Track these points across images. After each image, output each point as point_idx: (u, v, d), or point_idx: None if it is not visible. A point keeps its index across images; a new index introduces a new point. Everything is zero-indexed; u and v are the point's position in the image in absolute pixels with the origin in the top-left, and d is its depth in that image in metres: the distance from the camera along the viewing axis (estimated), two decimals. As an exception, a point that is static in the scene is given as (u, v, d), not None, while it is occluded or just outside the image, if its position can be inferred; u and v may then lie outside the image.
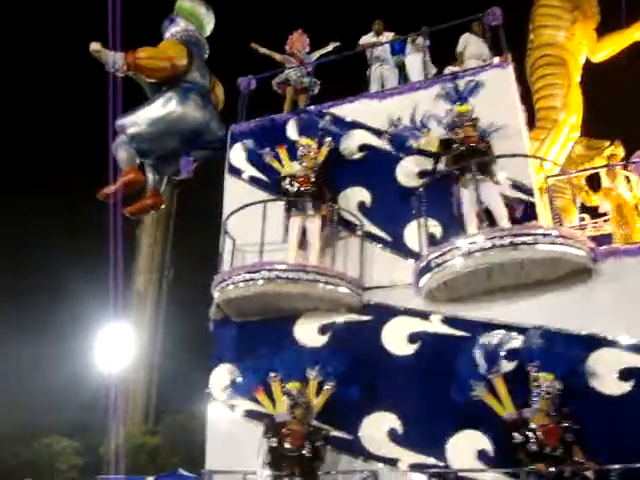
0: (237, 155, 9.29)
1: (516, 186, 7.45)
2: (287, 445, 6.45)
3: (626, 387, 6.21)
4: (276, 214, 8.18)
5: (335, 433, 6.93)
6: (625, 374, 6.24)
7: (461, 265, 6.63)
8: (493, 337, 6.70)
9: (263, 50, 10.28)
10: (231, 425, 7.71)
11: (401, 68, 9.77)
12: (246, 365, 7.64)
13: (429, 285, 7.05)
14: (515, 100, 7.93)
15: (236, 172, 9.22)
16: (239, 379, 7.64)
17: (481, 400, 6.29)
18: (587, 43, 8.93)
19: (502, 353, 6.50)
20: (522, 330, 6.70)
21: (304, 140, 8.37)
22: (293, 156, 8.55)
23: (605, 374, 6.26)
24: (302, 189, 8.00)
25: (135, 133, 9.42)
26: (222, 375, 7.94)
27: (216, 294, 7.83)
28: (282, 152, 8.60)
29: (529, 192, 7.43)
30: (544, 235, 6.45)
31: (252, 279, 7.43)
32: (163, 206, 10.09)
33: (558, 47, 8.91)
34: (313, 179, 8.06)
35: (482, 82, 7.66)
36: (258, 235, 8.14)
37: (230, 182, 9.23)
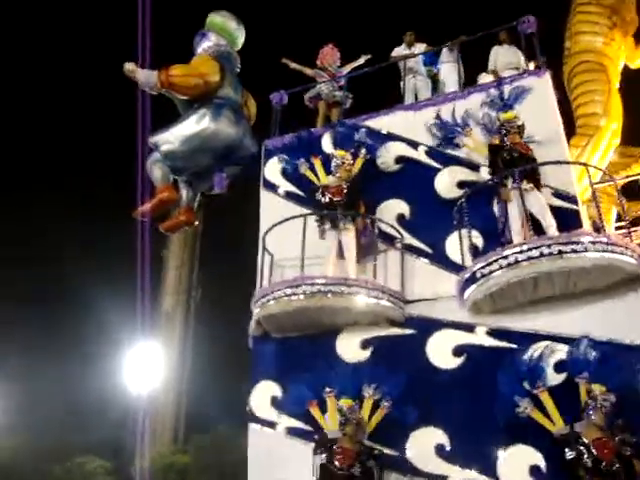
0: (272, 170, 9.28)
1: (559, 194, 7.33)
2: (337, 463, 6.34)
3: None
4: (312, 228, 8.17)
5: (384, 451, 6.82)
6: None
7: (508, 275, 6.50)
8: (538, 349, 6.54)
9: (294, 65, 10.30)
10: (273, 443, 7.58)
11: (433, 79, 9.75)
12: (292, 381, 7.54)
13: (474, 297, 6.91)
14: (554, 107, 7.82)
15: (272, 187, 9.20)
16: (287, 395, 7.52)
17: (526, 415, 6.15)
18: (625, 49, 8.84)
19: (548, 366, 6.35)
20: (569, 341, 6.55)
21: (338, 152, 8.36)
22: (328, 170, 8.58)
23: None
24: (335, 200, 7.97)
25: (169, 151, 9.43)
26: (264, 392, 7.85)
27: (256, 310, 7.77)
28: (317, 163, 8.60)
29: (573, 200, 7.31)
30: (593, 243, 6.31)
31: (294, 294, 7.36)
32: (197, 222, 10.09)
33: (597, 53, 8.81)
34: (346, 190, 8.03)
35: (526, 88, 7.58)
36: (294, 250, 8.11)
37: (266, 197, 9.21)
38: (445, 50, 9.41)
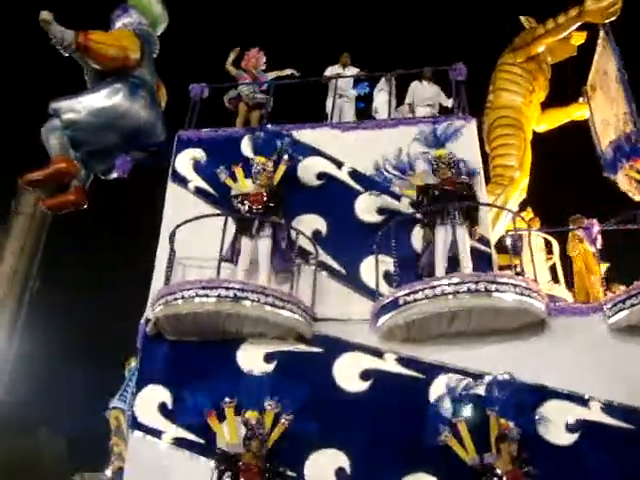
0: (184, 163, 8.73)
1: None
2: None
3: (573, 438, 6.51)
4: (215, 230, 7.77)
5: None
6: (571, 426, 6.54)
7: (432, 306, 6.63)
8: (455, 381, 6.71)
9: (230, 58, 9.83)
10: (157, 454, 7.00)
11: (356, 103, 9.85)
12: (187, 389, 6.97)
13: (392, 323, 6.95)
14: (477, 153, 8.23)
15: (181, 181, 8.65)
16: (180, 403, 6.97)
17: (444, 443, 6.26)
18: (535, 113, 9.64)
19: (466, 397, 6.52)
20: (477, 376, 6.81)
21: (259, 158, 8.08)
22: (248, 174, 8.26)
23: (554, 424, 6.52)
24: (254, 208, 7.69)
25: (72, 120, 8.59)
26: (151, 397, 7.25)
27: (158, 308, 7.18)
28: (238, 172, 8.20)
29: (487, 243, 7.69)
30: (514, 285, 6.65)
31: (207, 295, 6.92)
32: (86, 205, 9.18)
33: (516, 110, 9.48)
34: (266, 199, 7.78)
35: (458, 129, 7.90)
36: (198, 249, 7.83)
37: (173, 190, 8.64)
38: (383, 79, 9.56)
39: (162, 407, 7.19)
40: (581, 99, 9.70)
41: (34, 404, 18.89)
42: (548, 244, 9.48)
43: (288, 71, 9.97)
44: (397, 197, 8.03)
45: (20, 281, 20.77)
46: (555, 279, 9.42)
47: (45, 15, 8.11)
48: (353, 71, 9.87)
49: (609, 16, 8.68)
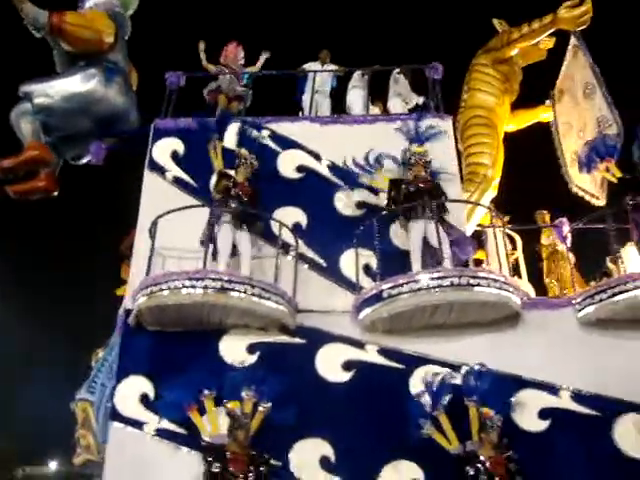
0: (161, 152, 8.63)
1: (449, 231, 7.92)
2: (232, 469, 6.05)
3: (545, 425, 6.86)
4: (194, 221, 7.76)
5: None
6: (544, 413, 6.92)
7: (416, 299, 6.85)
8: (433, 373, 6.93)
9: (203, 57, 9.69)
10: (138, 446, 6.97)
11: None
12: (168, 380, 7.01)
13: (373, 316, 7.13)
14: (453, 149, 8.49)
15: (158, 169, 8.56)
16: (162, 394, 6.95)
17: (428, 436, 6.49)
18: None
19: (443, 389, 6.75)
20: (454, 367, 7.06)
21: (242, 151, 8.12)
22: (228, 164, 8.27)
23: (527, 412, 6.87)
24: (243, 198, 7.72)
25: (45, 105, 8.35)
26: (132, 388, 7.19)
27: (142, 298, 7.12)
28: (219, 148, 8.23)
29: (462, 238, 7.96)
30: (495, 280, 6.94)
31: (193, 286, 6.90)
32: (56, 193, 8.93)
33: (490, 110, 9.78)
34: (251, 191, 7.84)
35: (438, 127, 8.13)
36: (175, 240, 7.79)
37: (150, 179, 8.53)
38: (356, 75, 9.67)
39: (143, 398, 7.15)
40: (548, 102, 10.14)
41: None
42: (512, 240, 9.87)
43: (262, 57, 9.96)
44: (375, 192, 8.21)
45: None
46: (517, 274, 9.82)
47: None
48: (332, 68, 9.95)
49: (581, 24, 9.11)
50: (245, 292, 6.98)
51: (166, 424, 7.00)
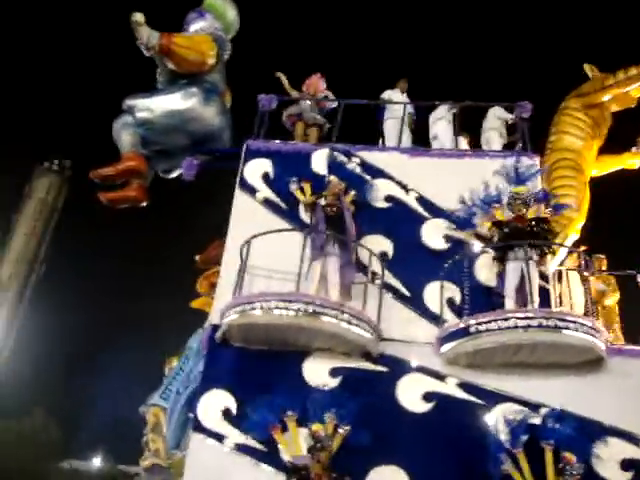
0: (252, 172, 8.91)
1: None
2: (314, 491, 6.20)
3: (627, 476, 6.82)
4: (282, 243, 8.00)
5: (346, 482, 6.76)
6: (626, 464, 6.88)
7: (503, 337, 6.92)
8: (515, 411, 6.99)
9: (285, 82, 9.94)
10: (217, 457, 7.17)
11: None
12: (252, 397, 7.19)
13: (458, 349, 7.23)
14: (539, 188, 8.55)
15: (249, 190, 8.82)
16: (244, 411, 7.14)
17: (507, 472, 6.53)
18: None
19: (524, 428, 6.78)
20: (535, 407, 7.11)
21: (335, 179, 8.34)
22: (315, 191, 8.50)
23: (608, 461, 6.84)
24: (331, 213, 7.97)
25: (146, 119, 8.74)
26: (215, 401, 7.42)
27: (233, 315, 7.34)
28: (306, 187, 8.49)
29: (546, 279, 8.01)
30: (582, 324, 6.97)
31: (286, 308, 7.10)
32: (145, 203, 9.28)
33: (577, 154, 9.86)
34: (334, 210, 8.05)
35: (540, 170, 8.24)
36: (263, 260, 8.01)
37: (241, 198, 8.80)
38: (443, 107, 9.82)
39: (226, 412, 7.37)
40: (634, 148, 10.16)
41: (32, 386, 18.75)
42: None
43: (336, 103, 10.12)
44: (463, 227, 8.33)
45: (27, 263, 20.69)
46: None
47: (138, 17, 8.28)
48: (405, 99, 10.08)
49: (677, 76, 9.15)
50: (335, 317, 7.16)
51: (246, 439, 7.20)
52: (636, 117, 10.24)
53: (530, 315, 6.93)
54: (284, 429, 7.01)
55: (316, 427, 6.70)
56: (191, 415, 7.62)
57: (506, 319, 6.97)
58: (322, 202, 8.17)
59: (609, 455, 6.82)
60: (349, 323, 7.20)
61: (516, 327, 6.90)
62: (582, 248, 8.51)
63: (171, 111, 8.74)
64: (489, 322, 7.03)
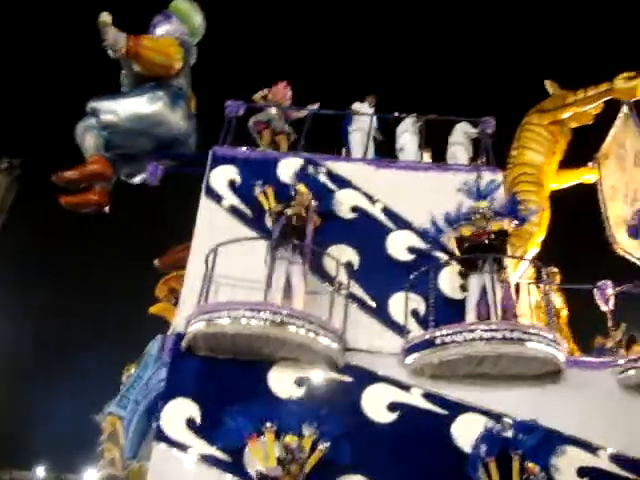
0: (218, 179, 8.83)
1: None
2: (284, 503, 6.17)
3: (583, 485, 7.05)
4: (247, 251, 7.97)
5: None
6: (582, 472, 7.08)
7: (469, 349, 7.03)
8: (488, 422, 7.11)
9: (259, 93, 9.90)
10: (181, 468, 7.07)
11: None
12: (218, 406, 7.10)
13: (424, 360, 7.31)
14: (504, 203, 8.75)
15: (215, 197, 8.74)
16: (219, 423, 7.00)
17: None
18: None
19: (498, 439, 6.93)
20: (497, 417, 7.25)
21: (300, 187, 8.34)
22: (282, 199, 8.46)
23: (566, 470, 7.03)
24: (296, 227, 7.93)
25: (111, 122, 8.57)
26: (179, 411, 7.30)
27: (199, 324, 7.25)
28: (269, 193, 8.46)
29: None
30: (544, 337, 7.16)
31: (254, 317, 7.05)
32: (107, 208, 9.07)
33: (538, 169, 10.17)
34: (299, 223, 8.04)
35: (497, 182, 8.42)
36: (227, 268, 7.91)
37: (207, 205, 8.71)
38: (408, 120, 9.95)
39: (190, 422, 7.27)
40: (590, 164, 10.53)
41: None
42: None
43: (310, 108, 10.13)
44: (427, 240, 8.45)
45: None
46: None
47: (105, 17, 8.12)
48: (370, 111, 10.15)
49: (635, 95, 9.54)
50: (303, 327, 7.15)
51: (211, 450, 7.13)
52: (592, 134, 10.64)
53: (494, 327, 7.08)
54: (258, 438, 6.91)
55: (289, 439, 6.65)
56: (154, 424, 7.46)
57: (471, 331, 7.11)
58: (289, 212, 8.17)
59: (568, 463, 7.03)
60: (316, 333, 7.20)
61: (481, 339, 7.03)
62: (545, 262, 8.70)
63: (137, 114, 8.59)
64: (455, 334, 7.14)
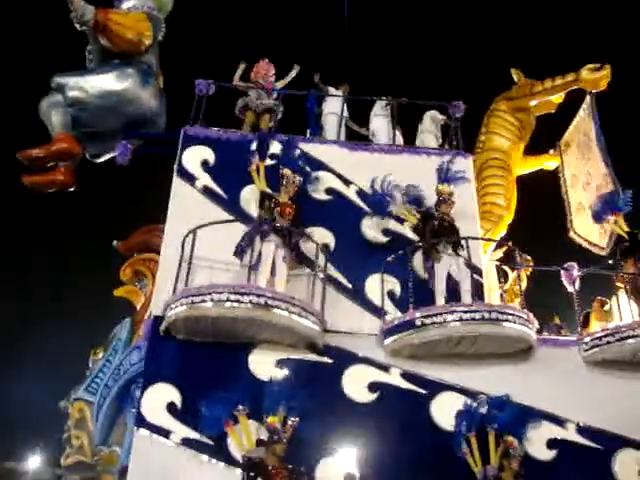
0: (191, 159, 8.66)
1: (468, 266, 8.35)
2: (276, 483, 6.21)
3: (552, 454, 7.39)
4: (223, 233, 7.89)
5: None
6: (552, 444, 7.44)
7: (450, 330, 7.21)
8: (468, 399, 7.35)
9: (238, 73, 9.67)
10: (163, 454, 7.00)
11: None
12: (198, 391, 7.08)
13: (402, 342, 7.47)
14: (473, 188, 8.96)
15: (188, 177, 8.58)
16: (197, 409, 6.96)
17: (463, 456, 6.91)
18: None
19: (477, 414, 7.18)
20: (474, 395, 7.50)
21: (287, 171, 8.26)
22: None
23: (537, 442, 7.38)
24: (287, 216, 7.89)
25: (78, 98, 8.22)
26: (159, 396, 7.21)
27: (180, 307, 7.13)
28: (262, 167, 8.36)
29: (479, 272, 8.43)
30: (519, 316, 7.44)
31: (238, 301, 7.00)
32: (73, 188, 8.74)
33: (506, 154, 10.42)
34: (293, 211, 8.01)
35: (462, 166, 8.60)
36: (204, 251, 7.81)
37: (179, 185, 8.53)
38: (379, 103, 10.00)
39: (171, 406, 7.20)
40: (552, 151, 10.91)
41: None
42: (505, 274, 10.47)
43: (293, 72, 10.05)
44: (401, 221, 8.57)
45: None
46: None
47: None
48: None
49: (599, 86, 9.91)
50: (287, 310, 7.16)
51: (193, 434, 7.09)
52: (555, 121, 11.00)
53: (473, 309, 7.31)
54: (235, 423, 6.94)
55: (272, 419, 6.66)
56: (132, 410, 7.35)
57: (451, 312, 7.29)
58: (281, 199, 8.04)
59: (538, 436, 7.36)
60: (299, 315, 7.23)
61: (460, 320, 7.25)
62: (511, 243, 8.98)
63: (106, 91, 8.26)
64: (435, 315, 7.33)
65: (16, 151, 8.39)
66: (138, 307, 10.30)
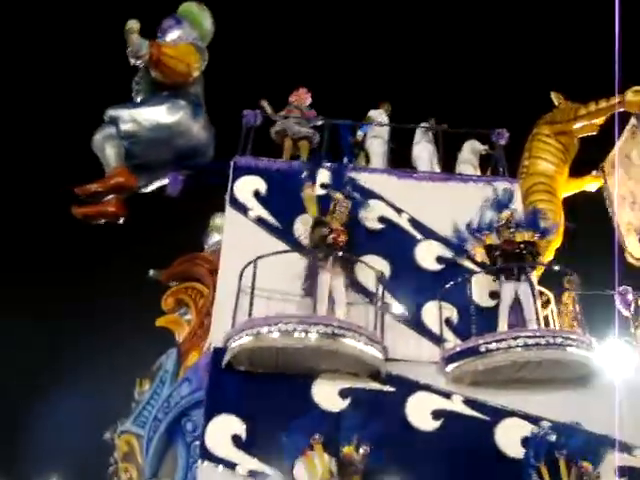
0: (242, 189, 8.69)
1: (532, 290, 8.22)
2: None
3: (622, 482, 7.31)
4: (278, 263, 7.87)
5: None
6: (620, 471, 7.35)
7: (512, 356, 7.20)
8: (535, 427, 7.24)
9: (268, 109, 9.75)
10: (229, 485, 6.90)
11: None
12: (261, 420, 7.05)
13: (464, 368, 7.44)
14: (522, 214, 8.99)
15: (240, 208, 8.61)
16: (270, 440, 6.88)
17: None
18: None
19: (545, 442, 7.10)
20: (537, 421, 7.43)
21: (339, 195, 8.30)
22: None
23: (608, 470, 7.26)
24: (340, 243, 7.89)
25: (132, 131, 8.29)
26: (223, 428, 7.13)
27: (245, 338, 7.09)
28: (314, 193, 8.38)
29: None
30: (582, 342, 7.41)
31: (306, 331, 6.97)
32: (122, 220, 8.74)
33: (551, 178, 10.54)
34: (346, 238, 8.01)
35: (513, 192, 8.66)
36: (264, 281, 7.72)
37: (232, 216, 8.57)
38: (419, 130, 10.10)
39: (235, 438, 7.12)
40: (594, 172, 11.04)
41: None
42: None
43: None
44: (456, 250, 8.60)
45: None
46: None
47: (133, 24, 7.83)
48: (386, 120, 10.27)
49: (643, 108, 10.06)
50: (354, 339, 7.13)
51: (259, 465, 6.99)
52: (597, 143, 11.14)
53: (538, 334, 7.30)
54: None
55: (347, 449, 6.61)
56: (196, 442, 7.26)
57: (515, 338, 7.28)
58: (334, 224, 8.03)
59: (608, 464, 7.24)
60: (365, 344, 7.21)
61: (525, 345, 7.24)
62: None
63: (158, 124, 8.34)
64: (499, 341, 7.31)
65: (62, 184, 8.42)
66: (180, 336, 10.23)
